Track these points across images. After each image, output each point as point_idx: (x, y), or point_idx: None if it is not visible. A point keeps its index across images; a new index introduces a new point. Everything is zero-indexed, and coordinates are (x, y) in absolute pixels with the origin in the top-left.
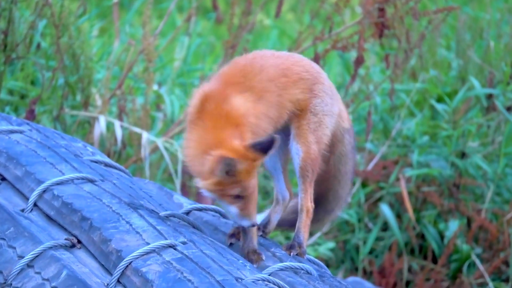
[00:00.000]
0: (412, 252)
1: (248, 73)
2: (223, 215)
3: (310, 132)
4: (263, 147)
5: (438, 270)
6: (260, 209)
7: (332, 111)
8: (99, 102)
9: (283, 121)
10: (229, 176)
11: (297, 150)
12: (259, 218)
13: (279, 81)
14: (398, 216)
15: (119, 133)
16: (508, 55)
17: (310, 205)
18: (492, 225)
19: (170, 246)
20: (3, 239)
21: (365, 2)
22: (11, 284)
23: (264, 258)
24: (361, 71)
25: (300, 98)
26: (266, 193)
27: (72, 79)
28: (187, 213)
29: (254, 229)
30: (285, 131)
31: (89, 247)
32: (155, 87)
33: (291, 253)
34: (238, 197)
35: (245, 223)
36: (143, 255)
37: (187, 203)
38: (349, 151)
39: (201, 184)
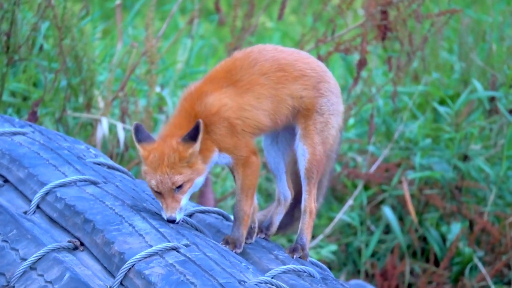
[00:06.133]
0: (414, 255)
1: (234, 68)
2: (226, 218)
3: (316, 133)
4: (191, 136)
5: (440, 273)
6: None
7: (338, 110)
8: (101, 104)
9: (285, 117)
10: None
11: (303, 151)
12: None
13: (274, 75)
14: (401, 219)
15: (121, 135)
16: (511, 57)
17: (313, 206)
18: (494, 228)
19: (173, 249)
20: (6, 241)
21: (368, 4)
22: (13, 286)
23: (238, 251)
24: (364, 73)
25: (304, 95)
26: (268, 196)
27: (75, 81)
28: (190, 215)
29: (244, 219)
30: (290, 132)
31: (92, 249)
32: (157, 89)
33: (294, 256)
34: (158, 192)
35: (163, 215)
36: (146, 257)
37: (189, 206)
38: (337, 148)
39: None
